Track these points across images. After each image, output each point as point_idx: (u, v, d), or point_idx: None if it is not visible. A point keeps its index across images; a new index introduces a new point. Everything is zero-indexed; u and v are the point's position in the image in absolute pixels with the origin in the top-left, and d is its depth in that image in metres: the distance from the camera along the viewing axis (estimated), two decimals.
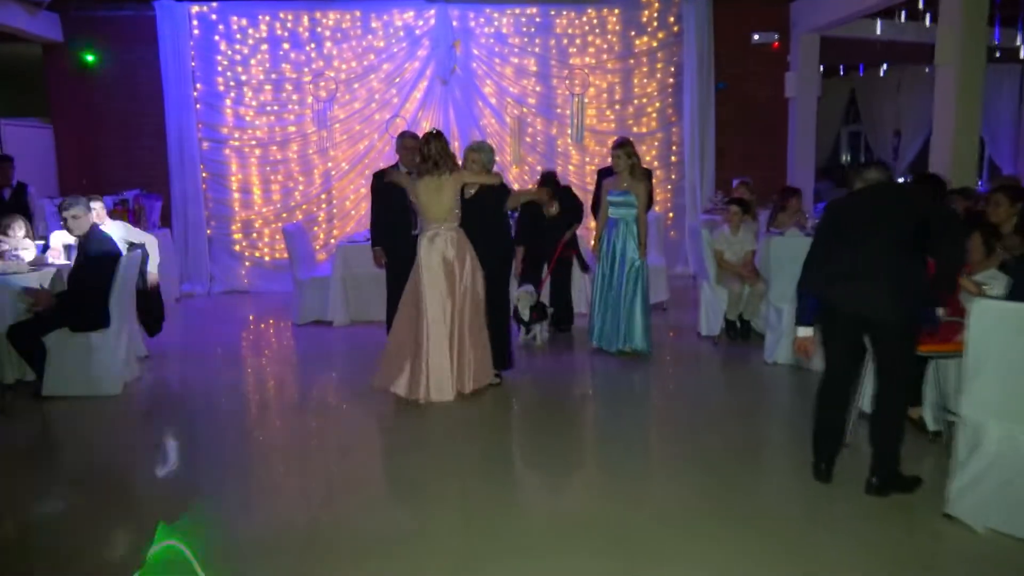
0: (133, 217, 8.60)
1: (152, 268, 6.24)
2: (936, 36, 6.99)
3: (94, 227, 5.33)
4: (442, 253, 4.97)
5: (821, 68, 10.15)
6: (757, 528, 3.31)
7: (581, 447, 4.54)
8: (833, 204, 3.95)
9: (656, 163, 9.72)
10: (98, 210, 5.97)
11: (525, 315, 6.34)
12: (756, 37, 9.76)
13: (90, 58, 9.27)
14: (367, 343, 6.68)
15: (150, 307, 6.23)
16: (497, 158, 9.20)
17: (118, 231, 6.08)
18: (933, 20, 8.64)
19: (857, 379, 3.88)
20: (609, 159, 9.67)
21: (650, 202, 6.42)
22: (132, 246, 6.08)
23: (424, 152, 5.01)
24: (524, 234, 6.52)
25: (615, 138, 9.37)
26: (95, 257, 5.22)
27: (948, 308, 3.94)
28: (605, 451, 4.37)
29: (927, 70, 11.59)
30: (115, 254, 5.28)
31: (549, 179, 6.89)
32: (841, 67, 12.59)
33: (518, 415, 5.03)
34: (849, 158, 15.12)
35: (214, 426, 4.93)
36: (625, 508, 3.52)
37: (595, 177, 9.77)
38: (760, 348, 6.09)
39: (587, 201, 9.76)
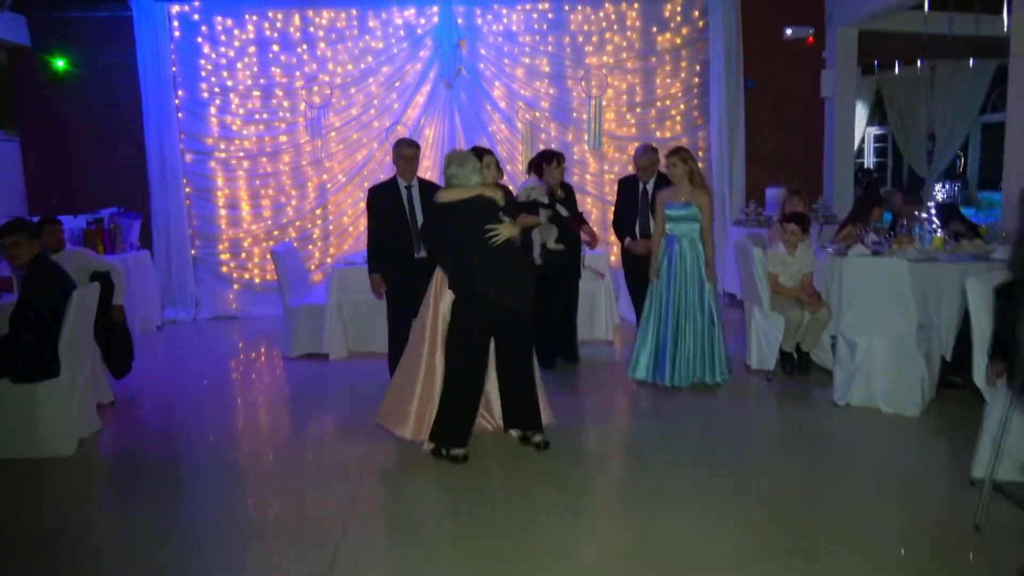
0: (108, 238, 7.81)
1: (118, 300, 5.44)
2: (1012, 26, 6.19)
3: (41, 256, 4.50)
4: None
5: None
6: None
7: (631, 518, 3.70)
8: None
9: None
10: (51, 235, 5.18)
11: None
12: (788, 32, 8.96)
13: (61, 64, 8.48)
14: (368, 379, 5.82)
15: (115, 345, 5.43)
16: (508, 167, 8.49)
17: (76, 260, 5.28)
18: (985, 10, 7.86)
19: None
20: (630, 167, 9.00)
21: None
22: (95, 276, 5.29)
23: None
24: None
25: (638, 144, 8.60)
26: (41, 293, 4.38)
27: None
28: (674, 533, 3.50)
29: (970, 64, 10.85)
30: (65, 288, 4.44)
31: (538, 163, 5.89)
32: (875, 64, 11.77)
33: (549, 470, 4.17)
34: (875, 162, 14.39)
35: (191, 492, 4.10)
36: None
37: (615, 187, 9.03)
38: (821, 385, 5.30)
39: (607, 213, 9.04)
